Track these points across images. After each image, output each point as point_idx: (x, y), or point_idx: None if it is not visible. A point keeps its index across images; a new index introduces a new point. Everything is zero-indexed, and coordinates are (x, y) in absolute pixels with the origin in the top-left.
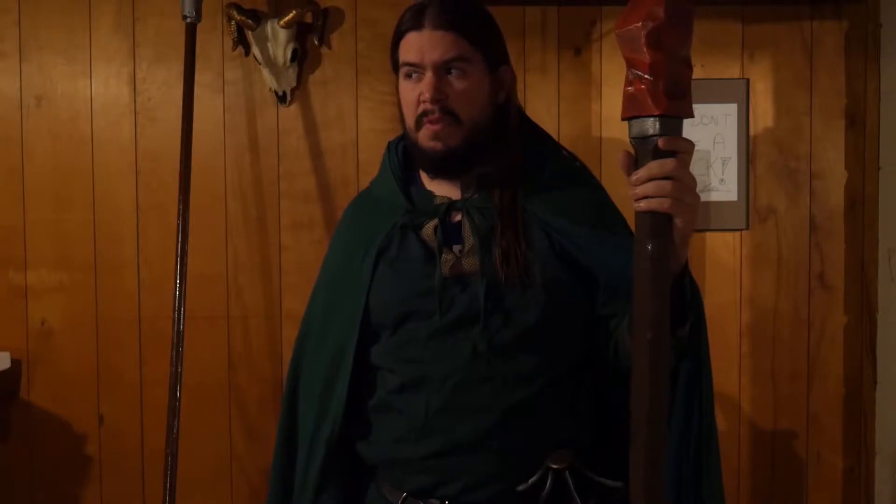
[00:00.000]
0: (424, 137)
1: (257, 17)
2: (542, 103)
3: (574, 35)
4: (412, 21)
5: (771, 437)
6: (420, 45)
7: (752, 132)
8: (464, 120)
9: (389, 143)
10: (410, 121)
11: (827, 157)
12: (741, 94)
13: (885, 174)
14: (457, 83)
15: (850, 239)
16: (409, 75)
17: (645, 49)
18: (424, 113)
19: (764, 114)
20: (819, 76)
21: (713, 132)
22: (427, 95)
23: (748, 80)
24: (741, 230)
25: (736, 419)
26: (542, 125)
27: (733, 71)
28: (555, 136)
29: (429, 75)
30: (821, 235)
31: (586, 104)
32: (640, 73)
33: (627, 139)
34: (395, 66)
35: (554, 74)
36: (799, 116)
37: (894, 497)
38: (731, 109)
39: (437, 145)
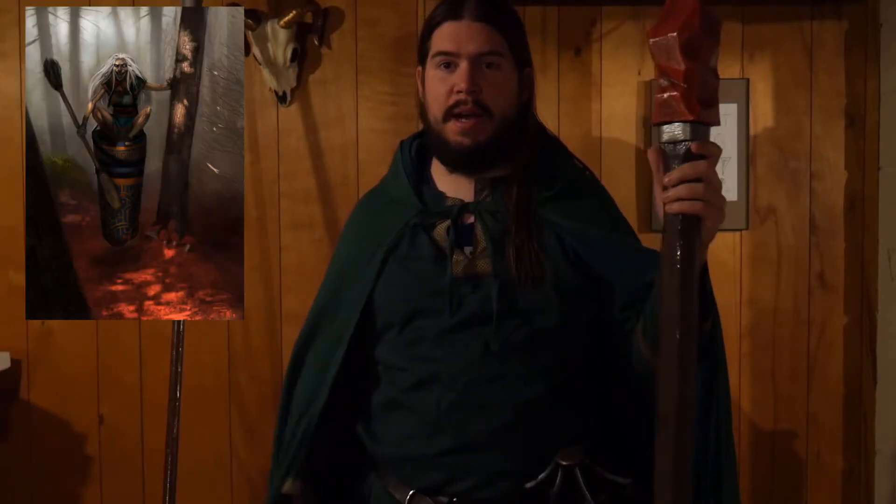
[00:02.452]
0: (452, 132)
1: (257, 17)
2: (542, 103)
3: (574, 35)
4: (450, 11)
5: (771, 437)
6: (458, 35)
7: (752, 132)
8: (495, 113)
9: (402, 142)
10: (438, 112)
11: (827, 157)
12: (741, 94)
13: (885, 174)
14: (491, 76)
15: (850, 239)
16: (440, 65)
17: (680, 57)
18: (457, 104)
19: (764, 114)
20: (819, 76)
21: (713, 132)
22: (463, 86)
23: (748, 80)
24: (741, 230)
25: (736, 419)
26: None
27: (733, 71)
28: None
29: (464, 65)
30: (821, 235)
31: (586, 104)
32: (674, 80)
33: (628, 139)
34: (423, 57)
35: (554, 74)
36: (799, 116)
37: (894, 497)
38: (731, 109)
39: (466, 140)
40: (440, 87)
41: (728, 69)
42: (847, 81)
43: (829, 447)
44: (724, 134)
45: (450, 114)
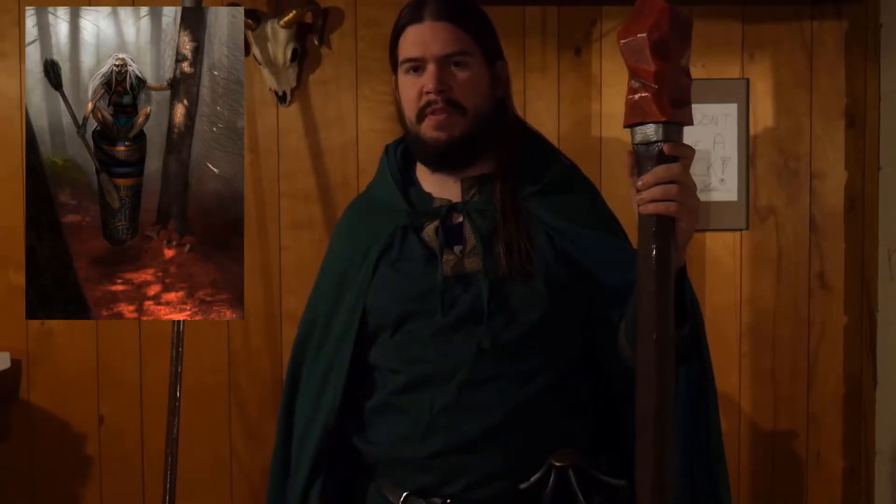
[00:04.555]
0: (427, 129)
1: (257, 17)
2: (542, 103)
3: (574, 35)
4: (411, 15)
5: (771, 437)
6: (422, 38)
7: (752, 132)
8: (468, 109)
9: (387, 146)
10: (412, 115)
11: (827, 157)
12: (741, 94)
13: (885, 174)
14: (459, 74)
15: (850, 239)
16: (409, 71)
17: (650, 58)
18: (428, 104)
19: (764, 114)
20: (819, 76)
21: (713, 132)
22: (431, 86)
23: (748, 80)
24: (741, 230)
25: (736, 419)
26: (542, 125)
27: (733, 71)
28: (555, 136)
29: (431, 67)
30: (821, 235)
31: (586, 104)
32: (644, 81)
33: (628, 139)
34: (394, 64)
35: (554, 74)
36: (799, 116)
37: (894, 497)
38: (731, 109)
39: (441, 135)
40: (411, 90)
41: (728, 69)
42: (847, 81)
43: (829, 447)
44: (724, 134)
45: (422, 114)
